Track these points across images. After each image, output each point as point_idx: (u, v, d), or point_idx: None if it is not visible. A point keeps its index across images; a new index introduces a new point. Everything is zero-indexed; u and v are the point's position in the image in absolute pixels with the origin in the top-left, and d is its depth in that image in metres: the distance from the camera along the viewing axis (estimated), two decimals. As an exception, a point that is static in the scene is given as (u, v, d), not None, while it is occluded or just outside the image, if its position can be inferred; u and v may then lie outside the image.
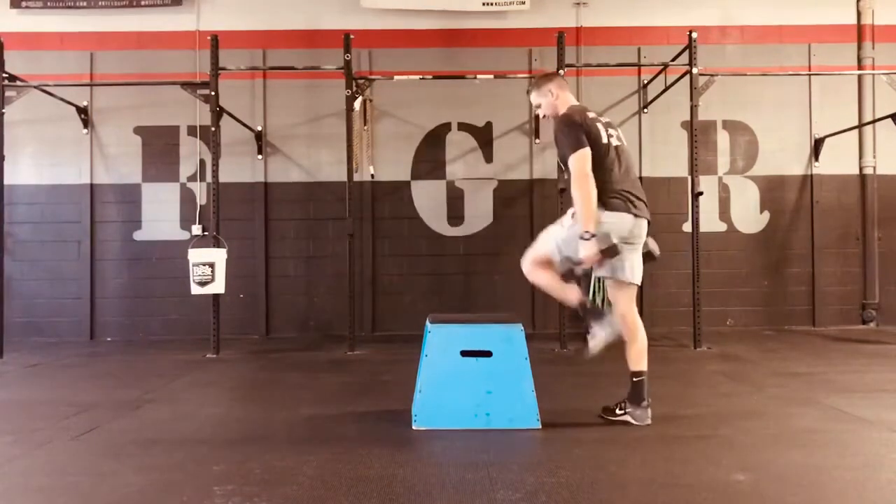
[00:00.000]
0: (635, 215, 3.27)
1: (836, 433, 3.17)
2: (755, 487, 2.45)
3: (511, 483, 2.49)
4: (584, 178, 3.19)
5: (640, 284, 3.39)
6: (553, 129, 3.43)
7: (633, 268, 3.33)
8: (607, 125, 3.40)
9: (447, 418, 3.26)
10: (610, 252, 3.16)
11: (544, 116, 3.57)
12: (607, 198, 3.24)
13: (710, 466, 2.69)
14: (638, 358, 3.33)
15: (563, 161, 3.35)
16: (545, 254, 3.41)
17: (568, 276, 3.45)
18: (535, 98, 3.57)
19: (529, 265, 3.45)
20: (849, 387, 4.25)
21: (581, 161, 3.21)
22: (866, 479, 2.54)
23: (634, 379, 3.32)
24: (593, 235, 3.14)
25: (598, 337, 3.24)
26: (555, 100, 3.49)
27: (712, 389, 4.30)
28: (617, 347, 3.30)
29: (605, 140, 3.30)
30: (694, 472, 2.63)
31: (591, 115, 3.39)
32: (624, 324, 3.33)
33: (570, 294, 3.38)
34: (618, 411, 3.38)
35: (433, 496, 2.37)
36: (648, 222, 3.36)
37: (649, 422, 3.30)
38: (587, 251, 3.16)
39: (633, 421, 3.31)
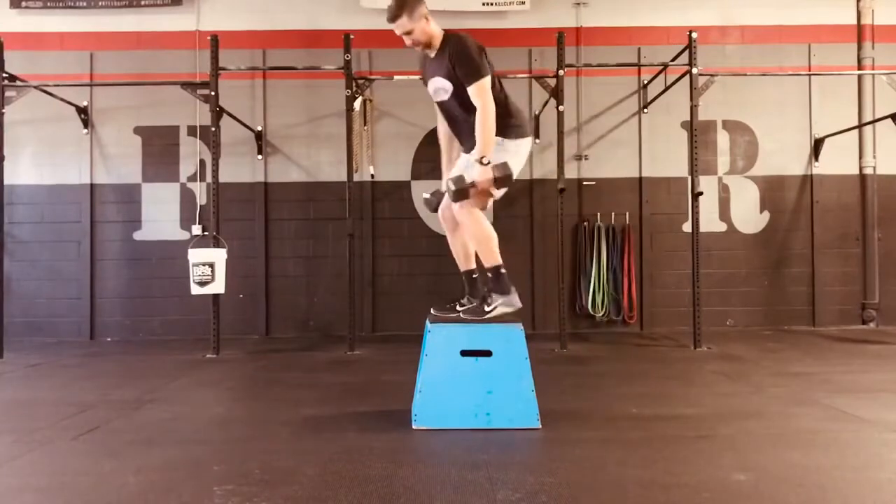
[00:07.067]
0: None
1: (836, 433, 3.17)
2: (755, 487, 2.45)
3: (511, 483, 2.49)
4: (493, 106, 3.26)
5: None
6: (452, 48, 3.31)
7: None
8: None
9: (447, 418, 3.25)
10: (507, 180, 3.26)
11: (415, 44, 3.40)
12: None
13: (710, 466, 2.69)
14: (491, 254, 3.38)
15: (461, 80, 3.29)
16: None
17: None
18: (405, 24, 3.34)
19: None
20: (849, 387, 4.25)
21: (489, 89, 3.26)
22: (866, 479, 2.54)
23: (502, 271, 3.37)
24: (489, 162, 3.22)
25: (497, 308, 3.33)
26: (427, 25, 3.37)
27: (712, 389, 4.30)
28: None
29: None
30: (694, 472, 2.63)
31: None
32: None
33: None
34: (486, 308, 3.39)
35: (433, 496, 2.37)
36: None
37: (520, 304, 3.38)
38: (483, 175, 3.22)
39: (507, 308, 3.36)
